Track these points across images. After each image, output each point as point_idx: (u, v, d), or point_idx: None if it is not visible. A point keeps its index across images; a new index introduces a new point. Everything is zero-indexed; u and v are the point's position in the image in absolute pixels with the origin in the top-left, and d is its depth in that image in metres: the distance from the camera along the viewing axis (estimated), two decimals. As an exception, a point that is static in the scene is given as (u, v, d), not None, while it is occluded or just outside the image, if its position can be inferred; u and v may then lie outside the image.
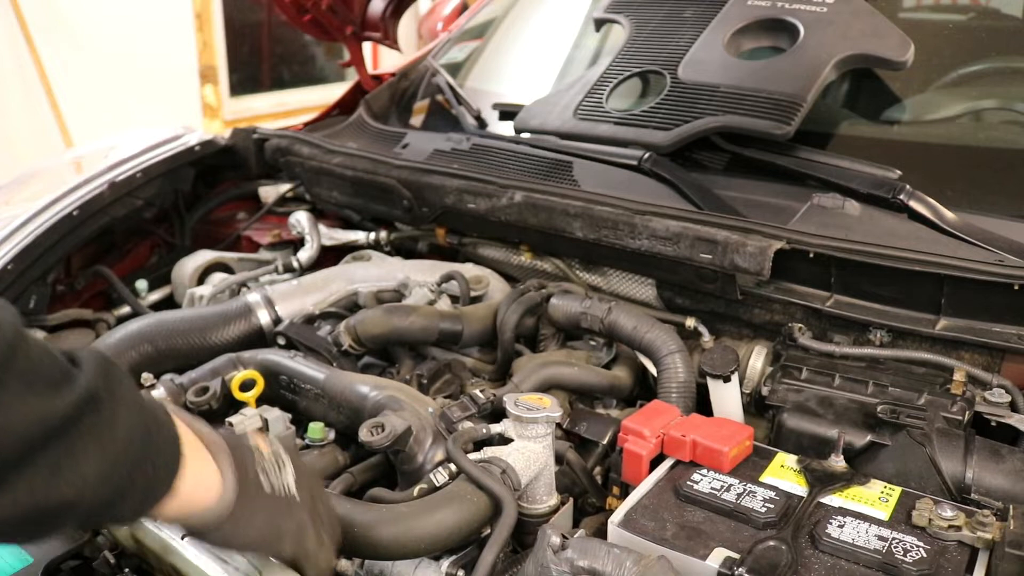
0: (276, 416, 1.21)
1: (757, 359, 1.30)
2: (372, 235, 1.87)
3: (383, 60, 5.59)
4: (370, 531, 0.90)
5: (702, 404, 1.26)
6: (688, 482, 0.99)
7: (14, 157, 4.47)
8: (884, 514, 0.93)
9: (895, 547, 0.87)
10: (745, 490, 0.97)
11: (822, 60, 1.43)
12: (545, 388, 1.27)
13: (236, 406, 1.23)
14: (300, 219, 1.85)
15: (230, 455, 0.75)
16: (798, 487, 0.99)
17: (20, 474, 0.57)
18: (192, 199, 2.07)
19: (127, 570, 0.99)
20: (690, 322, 1.40)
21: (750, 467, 1.03)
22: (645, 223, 1.36)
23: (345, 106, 2.26)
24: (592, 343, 1.44)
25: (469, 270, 1.64)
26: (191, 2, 5.62)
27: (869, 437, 1.06)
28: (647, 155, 1.52)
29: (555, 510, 1.04)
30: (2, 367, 0.56)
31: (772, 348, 1.31)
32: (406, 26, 3.37)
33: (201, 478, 0.72)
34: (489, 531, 0.96)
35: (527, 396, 1.05)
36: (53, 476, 0.58)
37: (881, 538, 0.88)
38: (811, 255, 1.24)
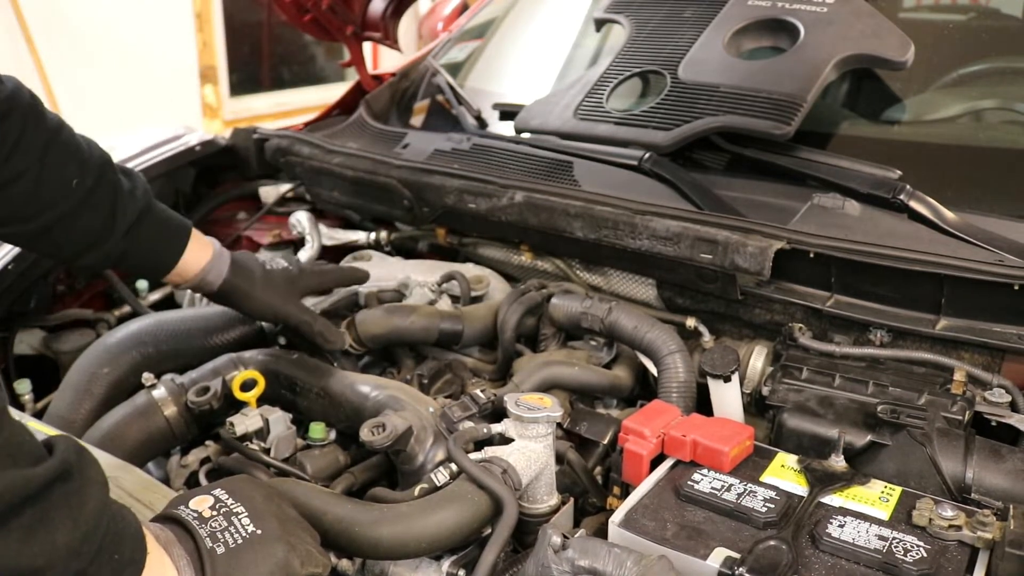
0: (277, 416, 1.21)
1: (757, 359, 1.30)
2: (372, 235, 1.87)
3: (383, 60, 5.59)
4: (371, 531, 0.90)
5: (702, 404, 1.26)
6: (689, 482, 0.99)
7: (14, 157, 4.45)
8: (884, 514, 0.93)
9: (895, 547, 0.87)
10: (746, 490, 0.97)
11: (822, 60, 1.43)
12: (546, 388, 1.27)
13: (237, 406, 1.24)
14: (300, 219, 1.85)
15: (179, 544, 0.74)
16: (798, 487, 0.99)
17: None
18: (192, 199, 2.06)
19: None
20: (690, 322, 1.40)
21: (750, 467, 1.03)
22: (645, 223, 1.36)
23: (345, 106, 2.25)
24: (593, 343, 1.44)
25: (470, 270, 1.65)
26: (191, 2, 5.63)
27: (869, 437, 1.06)
28: (647, 155, 1.51)
29: (556, 510, 1.04)
30: None
31: (772, 348, 1.31)
32: (406, 26, 3.37)
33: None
34: (490, 531, 0.96)
35: (528, 396, 1.05)
36: (26, 541, 0.59)
37: (881, 538, 0.88)
38: (811, 255, 1.24)
